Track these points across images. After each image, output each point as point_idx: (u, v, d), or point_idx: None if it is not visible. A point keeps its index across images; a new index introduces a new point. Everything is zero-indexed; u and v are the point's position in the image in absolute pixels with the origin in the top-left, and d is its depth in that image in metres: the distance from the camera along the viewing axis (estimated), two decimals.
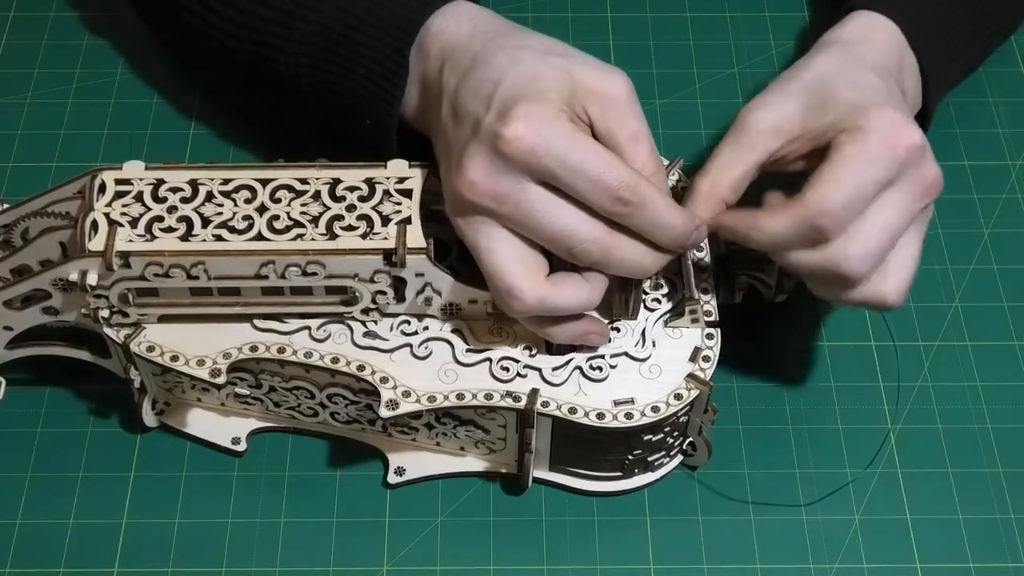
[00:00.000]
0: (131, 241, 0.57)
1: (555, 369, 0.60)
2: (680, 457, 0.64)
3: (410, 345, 0.60)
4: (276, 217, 0.58)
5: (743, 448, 0.65)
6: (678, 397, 0.59)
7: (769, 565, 0.61)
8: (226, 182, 0.60)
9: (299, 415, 0.64)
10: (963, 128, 0.76)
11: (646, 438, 0.60)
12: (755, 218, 0.56)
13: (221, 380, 0.59)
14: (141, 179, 0.60)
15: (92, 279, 0.57)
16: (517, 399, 0.58)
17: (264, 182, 0.60)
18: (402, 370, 0.59)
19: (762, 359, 0.68)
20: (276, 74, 0.64)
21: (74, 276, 0.58)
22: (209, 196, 0.59)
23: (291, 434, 0.65)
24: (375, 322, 0.61)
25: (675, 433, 0.61)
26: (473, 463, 0.64)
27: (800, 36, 0.81)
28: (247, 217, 0.58)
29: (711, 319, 0.61)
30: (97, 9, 0.82)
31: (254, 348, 0.60)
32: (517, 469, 0.63)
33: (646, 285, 0.62)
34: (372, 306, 0.60)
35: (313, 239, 0.58)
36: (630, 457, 0.61)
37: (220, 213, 0.58)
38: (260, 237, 0.58)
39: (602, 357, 0.60)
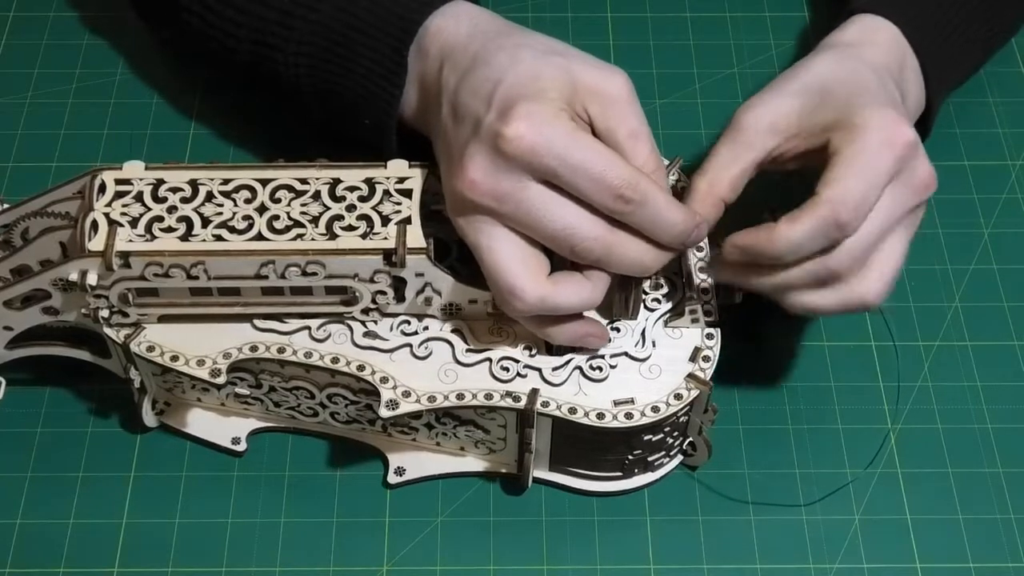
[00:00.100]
0: (131, 241, 0.57)
1: (555, 369, 0.60)
2: (680, 457, 0.64)
3: (410, 345, 0.60)
4: (276, 217, 0.58)
5: (743, 448, 0.65)
6: (678, 397, 0.59)
7: (769, 565, 0.61)
8: (226, 182, 0.60)
9: (299, 415, 0.64)
10: (963, 128, 0.76)
11: (646, 438, 0.60)
12: (772, 230, 0.55)
13: (221, 380, 0.59)
14: (141, 179, 0.60)
15: (92, 279, 0.57)
16: (517, 399, 0.58)
17: (264, 182, 0.60)
18: (402, 370, 0.59)
19: (762, 359, 0.68)
20: (276, 74, 0.64)
21: (74, 276, 0.58)
22: (209, 196, 0.59)
23: (291, 434, 0.65)
24: (375, 322, 0.61)
25: (675, 433, 0.61)
26: (473, 463, 0.64)
27: (800, 36, 0.81)
28: (247, 217, 0.58)
29: (711, 319, 0.61)
30: (97, 9, 0.82)
31: (254, 348, 0.60)
32: (517, 469, 0.63)
33: (646, 285, 0.62)
34: (372, 306, 0.60)
35: (313, 239, 0.58)
36: (630, 457, 0.61)
37: (220, 213, 0.58)
38: (260, 237, 0.58)
39: (602, 357, 0.60)
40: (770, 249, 0.55)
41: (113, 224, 0.58)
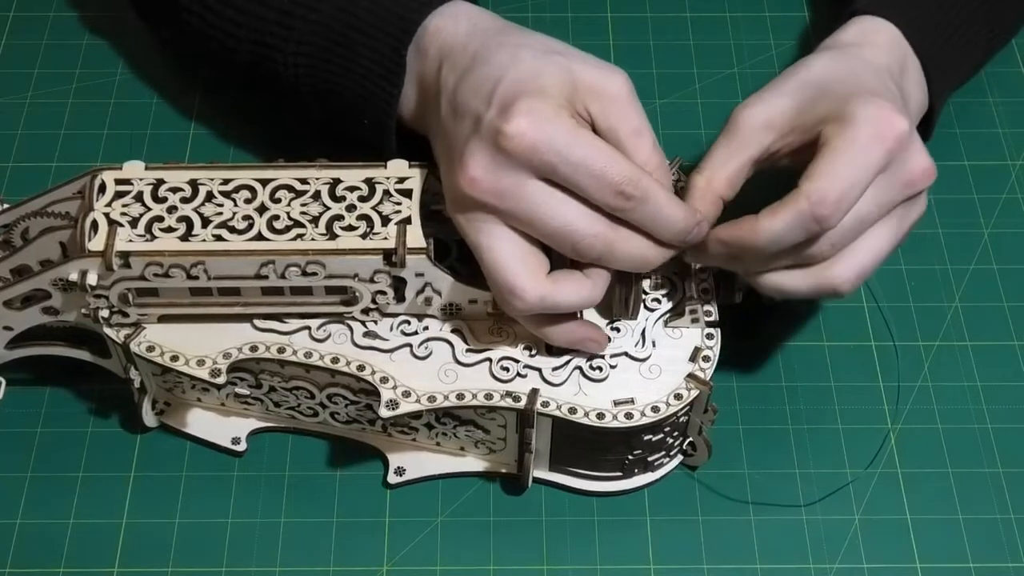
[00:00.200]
0: (131, 241, 0.57)
1: (555, 369, 0.60)
2: (680, 457, 0.64)
3: (410, 345, 0.60)
4: (276, 217, 0.58)
5: (743, 448, 0.65)
6: (678, 397, 0.59)
7: (769, 565, 0.61)
8: (226, 182, 0.60)
9: (299, 415, 0.64)
10: (963, 128, 0.76)
11: (646, 438, 0.60)
12: (753, 222, 0.55)
13: (221, 380, 0.59)
14: (141, 179, 0.60)
15: (92, 279, 0.57)
16: (517, 399, 0.58)
17: (264, 182, 0.60)
18: (402, 370, 0.59)
19: (762, 359, 0.68)
20: (275, 74, 0.64)
21: (74, 276, 0.58)
22: (209, 196, 0.59)
23: (291, 434, 0.65)
24: (375, 322, 0.61)
25: (675, 433, 0.61)
26: (473, 463, 0.64)
27: (800, 36, 0.81)
28: (247, 217, 0.58)
29: (711, 319, 0.61)
30: (97, 9, 0.82)
31: (254, 348, 0.60)
32: (517, 469, 0.63)
33: (646, 285, 0.62)
34: (372, 306, 0.60)
35: (313, 239, 0.58)
36: (630, 457, 0.61)
37: (220, 213, 0.58)
38: (260, 237, 0.58)
39: (602, 357, 0.60)
40: (752, 243, 0.55)
41: (113, 224, 0.58)
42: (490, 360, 0.60)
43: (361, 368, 0.59)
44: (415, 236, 0.58)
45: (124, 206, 0.59)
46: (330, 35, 0.62)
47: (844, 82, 0.57)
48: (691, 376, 0.59)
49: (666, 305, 0.61)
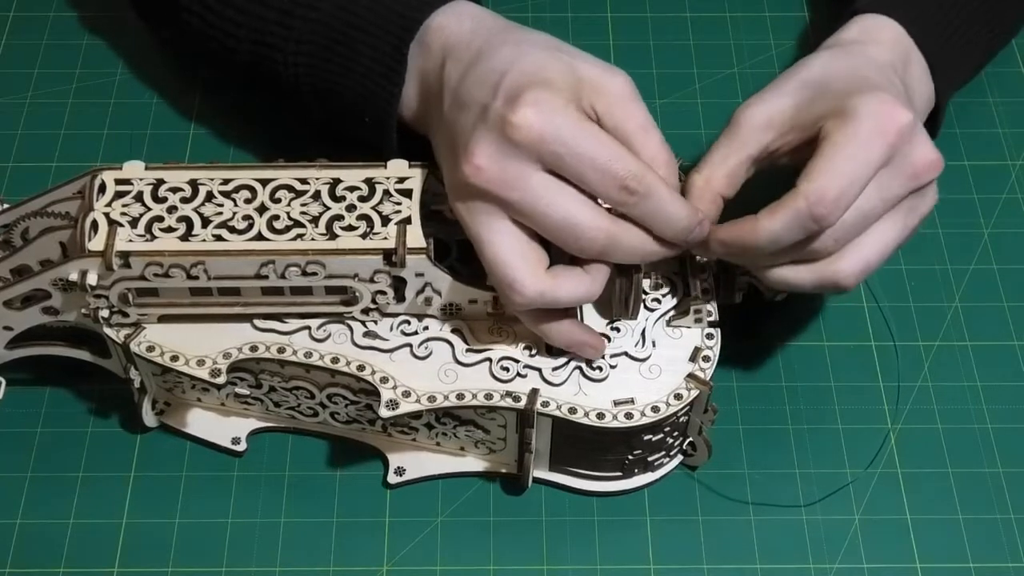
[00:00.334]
0: (131, 241, 0.57)
1: (555, 369, 0.60)
2: (680, 457, 0.64)
3: (410, 345, 0.60)
4: (276, 217, 0.58)
5: (743, 448, 0.65)
6: (678, 397, 0.59)
7: (769, 565, 0.61)
8: (226, 182, 0.60)
9: (299, 415, 0.64)
10: (963, 128, 0.76)
11: (646, 438, 0.60)
12: (752, 222, 0.55)
13: (221, 380, 0.59)
14: (141, 179, 0.60)
15: (92, 279, 0.57)
16: (517, 399, 0.58)
17: (264, 182, 0.60)
18: (402, 370, 0.59)
19: (762, 359, 0.68)
20: (275, 74, 0.64)
21: (74, 276, 0.58)
22: (209, 196, 0.59)
23: (291, 434, 0.65)
24: (375, 322, 0.61)
25: (675, 433, 0.61)
26: (473, 463, 0.64)
27: (800, 36, 0.81)
28: (247, 217, 0.58)
29: (711, 319, 0.61)
30: (97, 9, 0.82)
31: (254, 348, 0.60)
32: (517, 469, 0.63)
33: (646, 285, 0.62)
34: (372, 306, 0.60)
35: (313, 239, 0.58)
36: (630, 457, 0.61)
37: (220, 213, 0.58)
38: (260, 237, 0.58)
39: (602, 357, 0.60)
40: (752, 243, 0.55)
41: (113, 224, 0.58)
42: (490, 360, 0.60)
43: (361, 368, 0.59)
44: (415, 236, 0.58)
45: (124, 206, 0.59)
46: (330, 34, 0.62)
47: (845, 78, 0.57)
48: (691, 376, 0.59)
49: (666, 305, 0.61)
